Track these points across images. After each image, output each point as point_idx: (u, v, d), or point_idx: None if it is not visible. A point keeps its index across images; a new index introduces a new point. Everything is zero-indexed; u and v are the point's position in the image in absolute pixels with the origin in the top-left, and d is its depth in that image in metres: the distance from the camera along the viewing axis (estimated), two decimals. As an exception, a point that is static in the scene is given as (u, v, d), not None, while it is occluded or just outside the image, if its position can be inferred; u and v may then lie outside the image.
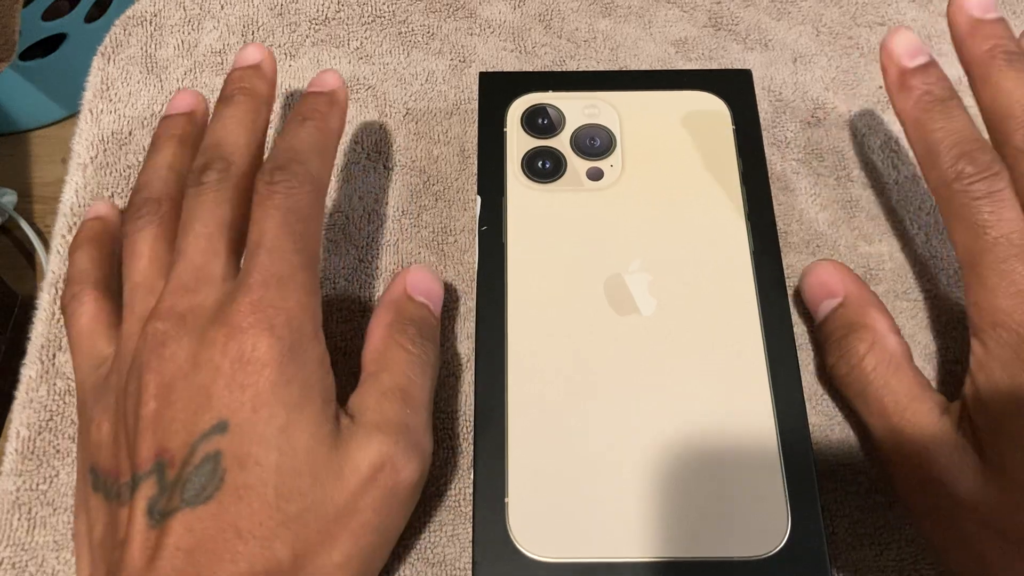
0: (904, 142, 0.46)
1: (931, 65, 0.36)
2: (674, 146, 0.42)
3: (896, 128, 0.46)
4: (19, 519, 0.37)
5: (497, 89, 0.44)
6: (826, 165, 0.45)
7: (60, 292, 0.41)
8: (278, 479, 0.30)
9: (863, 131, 0.46)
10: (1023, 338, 0.31)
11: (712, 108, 0.43)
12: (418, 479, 0.33)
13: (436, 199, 0.44)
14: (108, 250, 0.39)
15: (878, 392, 0.35)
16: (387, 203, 0.44)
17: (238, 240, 0.35)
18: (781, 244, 0.41)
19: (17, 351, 0.40)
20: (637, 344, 0.37)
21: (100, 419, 0.33)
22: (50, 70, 1.34)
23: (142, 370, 0.32)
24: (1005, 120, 0.34)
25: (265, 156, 0.38)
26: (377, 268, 0.42)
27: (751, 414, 0.36)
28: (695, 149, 0.42)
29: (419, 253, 0.43)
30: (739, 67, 0.47)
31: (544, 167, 0.41)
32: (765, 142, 0.45)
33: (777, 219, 0.43)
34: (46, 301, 0.41)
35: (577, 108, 0.43)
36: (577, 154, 0.42)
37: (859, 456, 0.38)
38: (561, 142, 0.42)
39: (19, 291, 1.21)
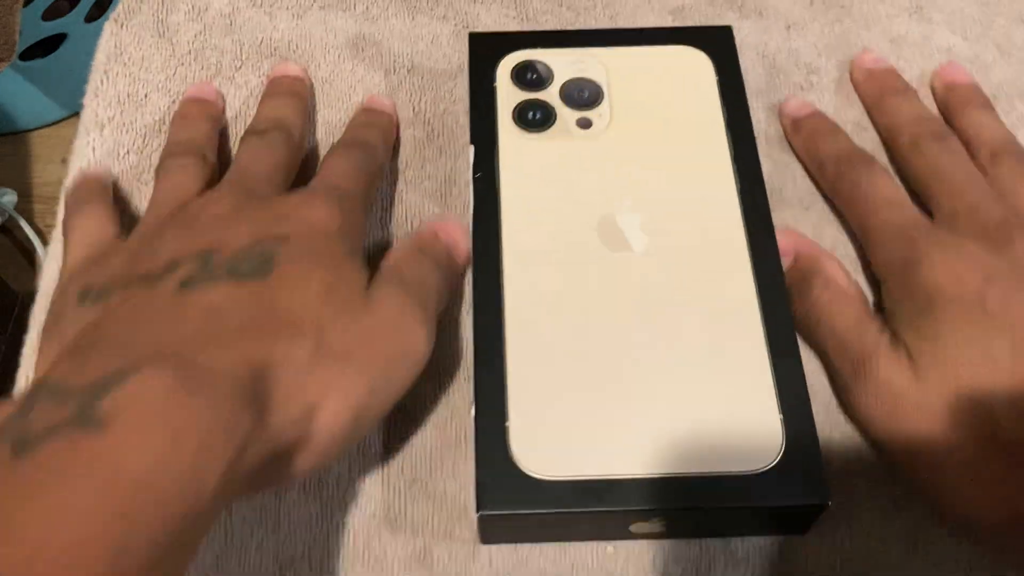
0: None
1: (816, 112, 0.46)
2: (660, 96, 0.43)
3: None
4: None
5: (486, 48, 0.45)
6: (819, 126, 0.46)
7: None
8: (324, 279, 0.33)
9: (855, 95, 0.48)
10: (906, 261, 0.38)
11: (696, 61, 0.45)
12: (424, 353, 0.35)
13: (440, 151, 0.45)
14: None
15: (830, 320, 0.39)
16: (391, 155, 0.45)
17: (291, 180, 0.41)
18: (776, 202, 0.42)
19: (17, 351, 0.41)
20: (630, 277, 0.38)
21: (113, 259, 0.35)
22: (50, 70, 1.34)
23: (207, 203, 0.36)
24: (894, 129, 0.44)
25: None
26: (381, 219, 0.44)
27: (742, 335, 0.37)
28: (681, 98, 0.43)
29: (423, 204, 0.44)
30: (736, 35, 0.48)
31: (535, 117, 0.42)
32: (760, 107, 0.47)
33: (772, 177, 0.44)
34: (47, 285, 0.41)
35: (565, 63, 0.44)
36: (566, 105, 0.43)
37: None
38: (550, 95, 0.43)
39: (19, 291, 1.21)
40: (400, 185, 0.44)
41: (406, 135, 0.46)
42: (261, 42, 0.49)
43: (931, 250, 0.37)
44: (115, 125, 0.46)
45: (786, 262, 0.41)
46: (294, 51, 0.48)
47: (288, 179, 0.40)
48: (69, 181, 0.43)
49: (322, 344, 0.31)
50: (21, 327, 0.38)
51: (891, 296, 0.39)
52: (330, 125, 0.46)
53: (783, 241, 0.41)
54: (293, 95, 0.45)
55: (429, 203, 0.44)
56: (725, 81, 0.44)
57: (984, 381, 0.34)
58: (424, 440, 0.38)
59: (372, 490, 0.38)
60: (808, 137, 0.45)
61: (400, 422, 0.39)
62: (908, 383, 0.36)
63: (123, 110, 0.47)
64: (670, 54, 0.45)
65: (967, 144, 0.43)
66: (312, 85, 0.47)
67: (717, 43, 0.45)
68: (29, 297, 0.38)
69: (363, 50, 0.48)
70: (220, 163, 0.43)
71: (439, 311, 0.37)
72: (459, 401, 0.39)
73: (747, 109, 0.43)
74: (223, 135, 0.46)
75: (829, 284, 0.40)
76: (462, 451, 0.38)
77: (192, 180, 0.39)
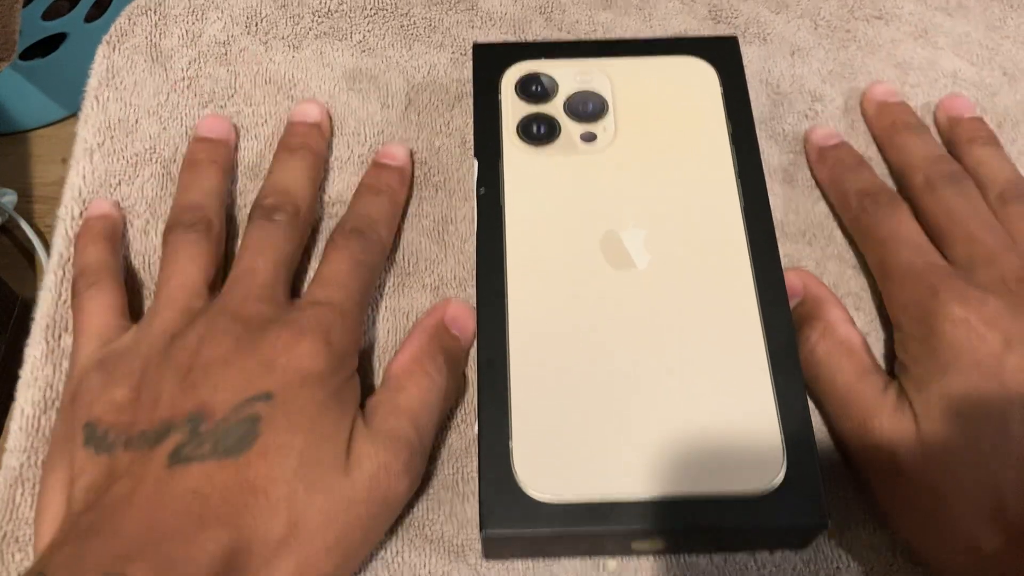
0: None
1: (843, 143, 0.46)
2: (665, 109, 0.43)
3: (892, 121, 0.47)
4: (22, 495, 0.37)
5: (490, 59, 0.44)
6: (823, 157, 0.46)
7: (69, 277, 0.41)
8: (304, 447, 0.33)
9: (860, 123, 0.47)
10: (926, 311, 0.37)
11: (701, 72, 0.44)
12: (405, 496, 0.36)
13: (437, 189, 0.45)
14: (118, 246, 0.42)
15: (829, 374, 0.38)
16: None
17: (295, 270, 0.41)
18: (779, 235, 0.42)
19: (17, 352, 0.41)
20: (633, 296, 0.38)
21: (117, 385, 0.35)
22: (50, 70, 1.33)
23: (200, 344, 0.35)
24: (908, 168, 0.43)
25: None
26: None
27: (745, 355, 0.37)
28: (685, 112, 0.43)
29: (420, 242, 0.43)
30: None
31: (539, 131, 0.42)
32: (764, 135, 0.46)
33: (776, 210, 0.43)
34: (52, 281, 0.42)
35: (569, 75, 0.44)
36: (571, 118, 0.42)
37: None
38: (555, 107, 0.43)
39: (19, 291, 1.21)
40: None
41: (403, 172, 0.45)
42: (256, 72, 0.48)
43: (952, 304, 0.36)
44: (105, 152, 0.46)
45: (794, 302, 0.41)
46: (289, 81, 0.48)
47: (291, 269, 0.40)
48: (79, 223, 0.43)
49: (296, 520, 0.32)
50: (21, 327, 0.38)
51: (905, 345, 0.38)
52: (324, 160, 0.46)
53: (793, 280, 0.41)
54: (308, 153, 0.44)
55: (427, 241, 0.43)
56: (730, 93, 0.43)
57: (994, 457, 0.33)
58: (422, 482, 0.38)
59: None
60: (833, 168, 0.44)
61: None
62: (911, 449, 0.35)
63: (113, 136, 0.46)
64: (675, 65, 0.44)
65: (975, 183, 0.42)
66: (331, 125, 0.47)
67: (722, 54, 0.45)
68: (30, 298, 0.38)
69: (359, 83, 0.48)
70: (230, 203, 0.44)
71: (441, 421, 0.39)
72: (456, 441, 0.39)
73: (752, 121, 0.43)
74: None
75: (826, 334, 0.39)
76: (459, 492, 0.38)
77: (198, 269, 0.39)
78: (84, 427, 0.34)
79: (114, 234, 0.42)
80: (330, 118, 0.46)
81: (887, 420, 0.36)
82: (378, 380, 0.40)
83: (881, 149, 0.46)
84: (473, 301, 0.40)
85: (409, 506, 0.37)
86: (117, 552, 0.30)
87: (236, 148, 0.46)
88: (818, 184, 0.45)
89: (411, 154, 0.45)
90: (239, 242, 0.42)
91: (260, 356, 0.34)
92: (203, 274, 0.39)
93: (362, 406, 0.37)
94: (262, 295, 0.37)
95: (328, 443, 0.34)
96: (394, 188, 0.43)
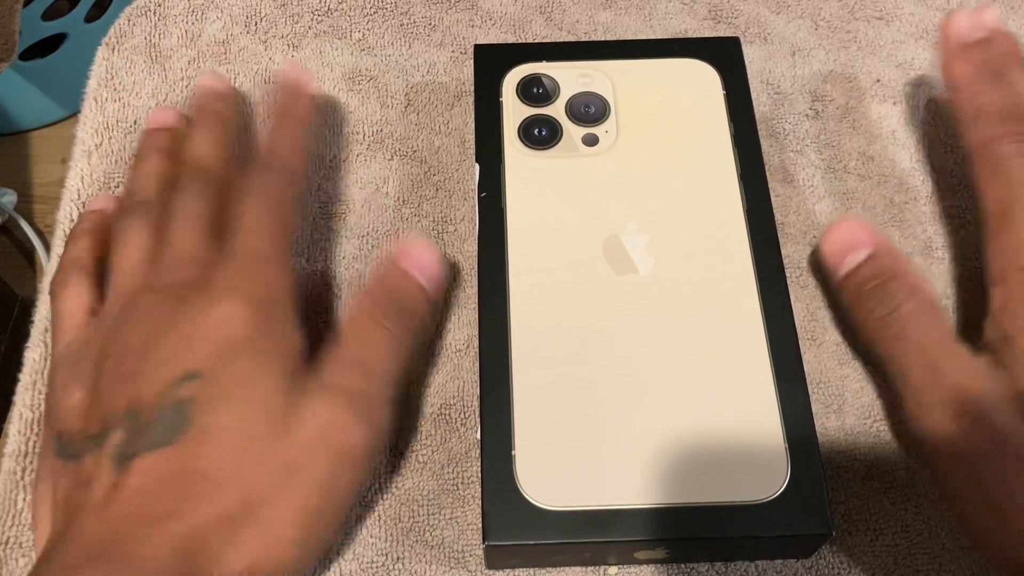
0: (901, 135, 0.46)
1: (992, 39, 0.40)
2: (667, 111, 0.43)
3: (893, 121, 0.46)
4: (24, 499, 0.37)
5: (492, 60, 0.44)
6: (824, 157, 0.46)
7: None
8: (240, 423, 0.32)
9: (861, 123, 0.47)
10: None
11: (703, 74, 0.44)
12: (367, 447, 0.34)
13: (436, 189, 0.45)
14: (102, 241, 0.41)
15: (918, 332, 0.36)
16: (388, 193, 0.44)
17: (217, 229, 0.38)
18: (779, 235, 0.42)
19: (17, 352, 0.41)
20: (636, 301, 0.38)
21: (73, 387, 0.35)
22: (50, 70, 1.34)
23: (122, 331, 0.34)
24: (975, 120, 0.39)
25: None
26: (378, 257, 0.43)
27: (748, 363, 0.36)
28: (687, 114, 0.43)
29: (420, 241, 0.43)
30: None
31: (540, 134, 0.42)
32: (764, 134, 0.46)
33: (776, 211, 0.43)
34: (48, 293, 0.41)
35: (571, 77, 0.44)
36: (572, 121, 0.42)
37: (855, 443, 0.39)
38: (556, 110, 0.43)
39: (19, 291, 1.21)
40: (397, 223, 0.44)
41: (403, 172, 0.45)
42: (256, 71, 0.48)
43: None
44: (103, 153, 0.45)
45: (860, 255, 0.38)
46: (288, 81, 0.47)
47: (209, 222, 0.38)
48: (73, 225, 0.43)
49: (247, 496, 0.32)
50: (21, 327, 0.38)
51: (1013, 311, 0.35)
52: (322, 159, 0.46)
53: (861, 231, 0.38)
54: (217, 121, 0.42)
55: (426, 242, 0.43)
56: (732, 95, 0.43)
57: None
58: (421, 486, 0.38)
59: (369, 539, 0.37)
60: (978, 68, 0.40)
61: (396, 468, 0.38)
62: (1015, 424, 0.32)
63: (111, 137, 0.46)
64: (677, 67, 0.44)
65: None
66: (237, 93, 0.45)
67: (724, 56, 0.44)
68: (30, 298, 0.38)
69: (359, 82, 0.48)
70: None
71: (401, 369, 0.36)
72: (456, 445, 0.39)
73: (754, 124, 0.42)
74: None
75: (915, 293, 0.36)
76: (460, 496, 0.38)
77: (137, 251, 0.38)
78: (54, 437, 0.34)
79: (100, 230, 0.41)
80: (230, 86, 0.44)
81: (981, 388, 0.33)
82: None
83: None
84: (474, 304, 0.40)
85: (409, 511, 0.37)
86: (72, 561, 0.30)
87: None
88: (949, 78, 0.41)
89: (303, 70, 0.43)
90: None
91: (180, 331, 0.34)
92: (142, 254, 0.38)
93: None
94: (178, 261, 0.36)
95: (264, 409, 0.33)
96: (298, 117, 0.42)
